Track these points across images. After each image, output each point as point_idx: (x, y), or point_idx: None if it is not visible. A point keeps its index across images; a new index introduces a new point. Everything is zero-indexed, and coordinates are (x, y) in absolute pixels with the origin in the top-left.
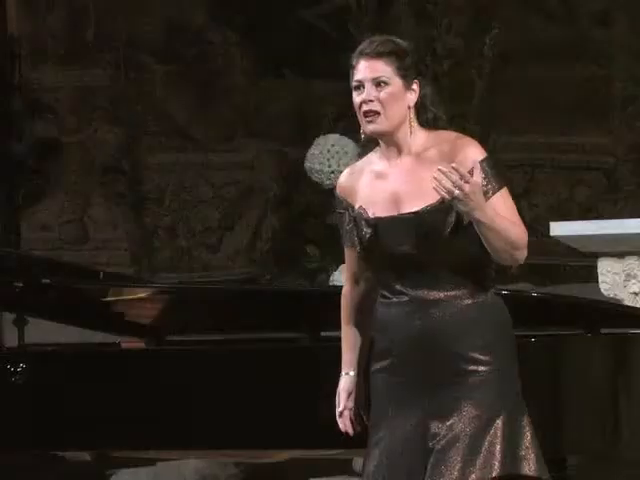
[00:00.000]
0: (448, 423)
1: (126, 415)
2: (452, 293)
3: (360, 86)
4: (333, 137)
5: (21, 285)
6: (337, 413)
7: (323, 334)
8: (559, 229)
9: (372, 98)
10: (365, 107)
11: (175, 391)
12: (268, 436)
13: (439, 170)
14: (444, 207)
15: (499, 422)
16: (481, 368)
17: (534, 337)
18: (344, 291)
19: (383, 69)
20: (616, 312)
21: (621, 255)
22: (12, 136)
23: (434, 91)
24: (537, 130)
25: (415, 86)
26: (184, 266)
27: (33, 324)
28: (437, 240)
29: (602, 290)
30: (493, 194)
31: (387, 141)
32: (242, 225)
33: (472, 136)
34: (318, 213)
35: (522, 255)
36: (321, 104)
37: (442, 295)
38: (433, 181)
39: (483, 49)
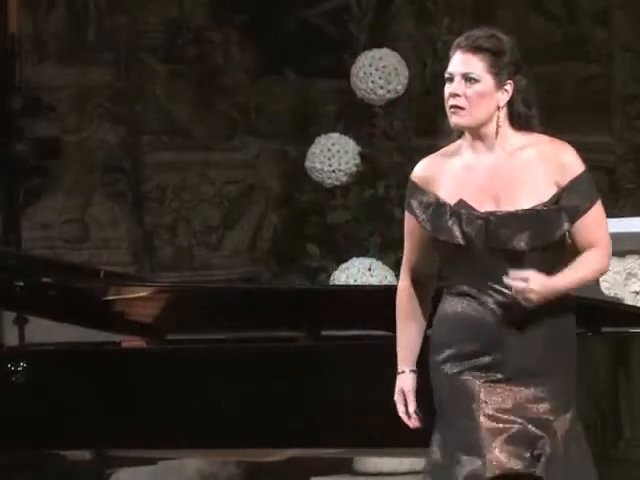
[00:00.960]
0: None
1: (126, 414)
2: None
3: (451, 79)
4: (333, 136)
5: (21, 284)
6: (402, 412)
7: (324, 333)
8: None
9: (459, 93)
10: (452, 101)
11: (176, 390)
12: (268, 435)
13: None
14: (556, 207)
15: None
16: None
17: None
18: (401, 287)
19: (475, 65)
20: (617, 311)
21: (622, 254)
22: (12, 135)
23: (531, 91)
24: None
25: (508, 87)
26: (185, 265)
27: (33, 323)
28: (547, 240)
29: (603, 289)
30: (584, 213)
31: (474, 135)
32: (243, 224)
33: None
34: (319, 212)
35: (606, 270)
36: (322, 103)
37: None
38: (534, 181)
39: None
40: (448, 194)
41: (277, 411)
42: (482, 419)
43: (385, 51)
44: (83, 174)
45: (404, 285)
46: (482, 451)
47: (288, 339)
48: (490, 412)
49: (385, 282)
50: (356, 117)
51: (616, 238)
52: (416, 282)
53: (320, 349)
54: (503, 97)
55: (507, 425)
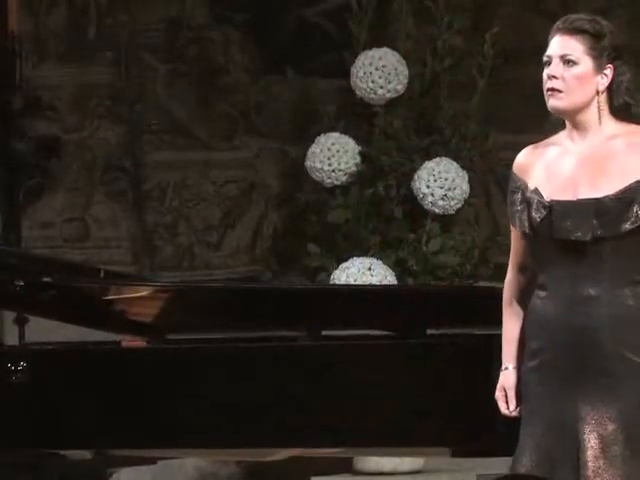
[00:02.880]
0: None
1: (126, 414)
2: (614, 291)
3: (549, 62)
4: (333, 136)
5: (22, 283)
6: (503, 409)
7: (324, 333)
8: None
9: (557, 75)
10: (549, 83)
11: (176, 390)
12: (269, 435)
13: None
14: (627, 198)
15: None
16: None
17: None
18: (507, 280)
19: (574, 47)
20: None
21: None
22: (13, 134)
23: (632, 79)
24: (537, 129)
25: (608, 71)
26: (185, 264)
27: (34, 322)
28: (613, 231)
29: None
30: None
31: (571, 122)
32: (243, 223)
33: (472, 135)
34: (319, 211)
35: None
36: (322, 102)
37: (604, 292)
38: (617, 172)
39: (483, 48)
40: (538, 183)
41: (277, 411)
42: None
43: (385, 50)
44: (83, 173)
45: (508, 278)
46: None
47: (288, 339)
48: None
49: (385, 282)
50: (356, 116)
51: None
52: (520, 274)
53: (320, 349)
54: (602, 81)
55: None
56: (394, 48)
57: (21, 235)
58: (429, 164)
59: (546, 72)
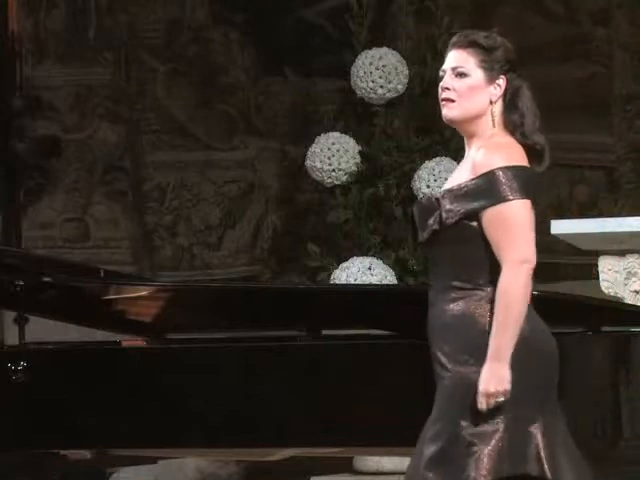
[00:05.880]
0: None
1: (127, 414)
2: (438, 295)
3: (443, 75)
4: (333, 135)
5: (22, 283)
6: None
7: (324, 332)
8: (560, 227)
9: (449, 86)
10: (442, 94)
11: (176, 389)
12: (269, 435)
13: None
14: (428, 205)
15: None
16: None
17: None
18: None
19: (465, 59)
20: (617, 310)
21: (622, 253)
22: (13, 134)
23: (528, 93)
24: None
25: (501, 81)
26: (185, 264)
27: (34, 322)
28: (421, 238)
29: (603, 288)
30: (491, 205)
31: (466, 132)
32: (243, 223)
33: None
34: (319, 211)
35: (526, 272)
36: (322, 102)
37: (433, 295)
38: (455, 177)
39: None
40: None
41: (277, 410)
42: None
43: (385, 50)
44: (83, 173)
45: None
46: None
47: (288, 338)
48: None
49: (385, 281)
50: (356, 116)
51: (616, 237)
52: None
53: (320, 349)
54: (495, 92)
55: None
56: (394, 48)
57: (21, 235)
58: (429, 164)
59: (440, 85)
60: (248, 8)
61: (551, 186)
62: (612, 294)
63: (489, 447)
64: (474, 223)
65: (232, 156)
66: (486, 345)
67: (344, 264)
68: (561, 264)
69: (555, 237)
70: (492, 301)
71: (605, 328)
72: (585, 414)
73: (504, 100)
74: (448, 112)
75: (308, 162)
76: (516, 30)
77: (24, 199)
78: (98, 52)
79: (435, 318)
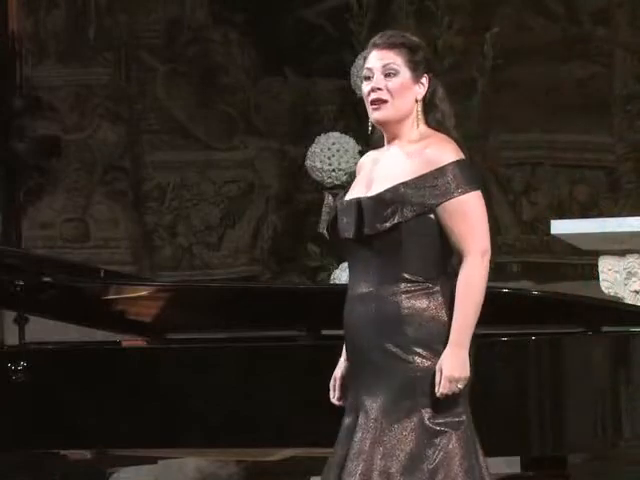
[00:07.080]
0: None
1: (127, 414)
2: (382, 287)
3: (370, 75)
4: (334, 135)
5: (22, 283)
6: (332, 398)
7: (324, 332)
8: (560, 227)
9: (381, 87)
10: (373, 95)
11: (176, 389)
12: (269, 435)
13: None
14: (385, 199)
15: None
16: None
17: (534, 336)
18: None
19: (393, 59)
20: (617, 310)
21: (622, 253)
22: (13, 134)
23: (444, 92)
24: (537, 128)
25: (424, 80)
26: (185, 264)
27: (34, 322)
28: (373, 230)
29: (603, 288)
30: (451, 198)
31: (390, 131)
32: (243, 223)
33: (472, 135)
34: (319, 211)
35: (486, 263)
36: (322, 102)
37: (373, 288)
38: (387, 174)
39: (484, 47)
40: (348, 189)
41: (277, 410)
42: None
43: None
44: (83, 173)
45: None
46: None
47: (288, 338)
48: None
49: None
50: (356, 116)
51: (616, 237)
52: None
53: (320, 348)
54: (420, 90)
55: None
56: None
57: (21, 235)
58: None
59: (368, 86)
60: (248, 8)
61: (551, 186)
62: (612, 294)
63: (458, 433)
64: (432, 216)
65: (232, 156)
66: (445, 336)
67: (344, 264)
68: (561, 264)
69: (555, 237)
70: (444, 293)
71: (605, 328)
72: (585, 414)
73: (424, 99)
74: (381, 113)
75: (308, 162)
76: (516, 30)
77: (24, 199)
78: (98, 52)
79: (379, 311)
